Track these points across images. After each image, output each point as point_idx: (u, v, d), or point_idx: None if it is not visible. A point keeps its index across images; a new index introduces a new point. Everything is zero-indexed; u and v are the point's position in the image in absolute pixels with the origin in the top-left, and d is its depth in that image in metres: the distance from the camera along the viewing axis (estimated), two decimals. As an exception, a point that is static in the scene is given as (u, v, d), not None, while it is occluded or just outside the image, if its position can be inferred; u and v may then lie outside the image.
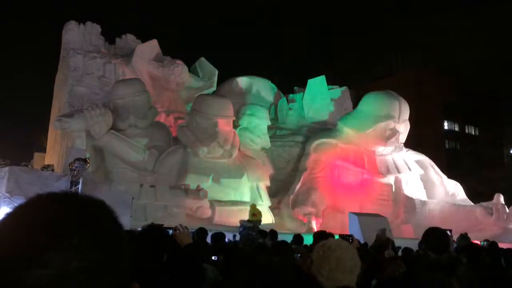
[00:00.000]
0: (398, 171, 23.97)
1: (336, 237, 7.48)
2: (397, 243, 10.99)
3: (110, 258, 0.86)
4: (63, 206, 0.88)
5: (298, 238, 9.89)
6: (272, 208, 21.55)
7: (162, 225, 3.80)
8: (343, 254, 2.51)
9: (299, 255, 6.53)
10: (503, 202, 22.98)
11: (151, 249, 3.29)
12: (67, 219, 0.85)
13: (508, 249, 6.86)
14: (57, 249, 0.80)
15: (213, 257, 5.72)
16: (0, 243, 0.82)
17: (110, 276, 0.85)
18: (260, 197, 21.59)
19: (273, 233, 10.30)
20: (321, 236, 9.46)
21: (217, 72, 27.38)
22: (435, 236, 4.22)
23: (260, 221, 16.88)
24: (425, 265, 4.13)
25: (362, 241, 10.36)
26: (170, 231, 7.39)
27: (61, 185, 16.81)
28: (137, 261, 3.02)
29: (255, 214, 17.22)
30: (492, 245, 9.47)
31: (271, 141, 24.58)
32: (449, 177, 26.07)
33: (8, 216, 0.88)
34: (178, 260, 3.72)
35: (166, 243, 3.57)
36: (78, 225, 0.85)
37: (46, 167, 19.62)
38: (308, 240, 10.01)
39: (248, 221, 15.96)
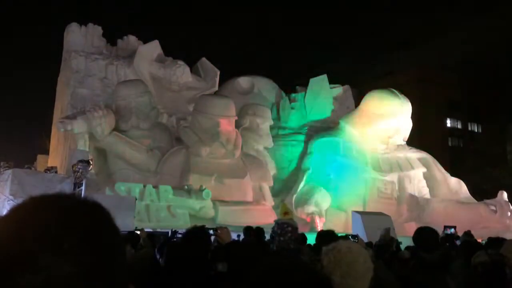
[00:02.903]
0: (401, 169, 23.93)
1: (338, 234, 7.48)
2: (401, 241, 10.98)
3: (104, 262, 0.85)
4: (56, 209, 0.87)
5: (302, 237, 9.86)
6: (275, 208, 21.54)
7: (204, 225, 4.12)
8: (354, 258, 2.40)
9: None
10: (507, 199, 22.92)
11: (197, 248, 3.43)
12: (59, 222, 0.83)
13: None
14: (49, 254, 0.79)
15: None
16: None
17: (104, 281, 0.84)
18: (263, 196, 21.59)
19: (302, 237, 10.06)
20: (327, 235, 9.43)
21: (218, 72, 27.38)
22: (423, 236, 4.24)
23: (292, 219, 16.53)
24: (417, 265, 4.12)
25: (365, 240, 10.34)
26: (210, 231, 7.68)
27: (65, 187, 16.86)
28: (185, 259, 3.17)
29: (287, 212, 16.56)
30: (492, 241, 9.34)
31: (273, 141, 24.57)
32: (452, 174, 25.99)
33: (1, 219, 0.87)
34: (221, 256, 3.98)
35: (210, 242, 3.77)
36: (71, 229, 0.83)
37: (49, 169, 19.65)
38: (311, 239, 9.99)
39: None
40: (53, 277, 0.78)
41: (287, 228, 8.86)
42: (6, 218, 0.87)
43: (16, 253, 0.79)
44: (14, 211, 0.88)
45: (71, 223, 0.85)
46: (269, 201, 21.55)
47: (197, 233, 3.74)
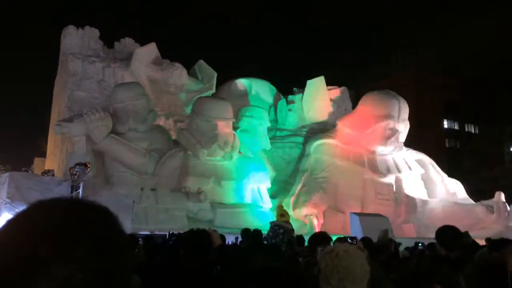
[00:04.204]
0: (399, 171, 23.95)
1: (335, 237, 7.44)
2: (400, 242, 11.00)
3: (114, 268, 0.85)
4: (66, 214, 0.86)
5: (300, 239, 9.84)
6: (273, 210, 21.54)
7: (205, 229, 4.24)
8: (352, 262, 2.39)
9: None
10: (504, 200, 22.95)
11: (201, 250, 3.50)
12: (71, 229, 0.83)
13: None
14: (62, 261, 0.79)
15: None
16: (2, 253, 0.80)
17: (114, 286, 0.85)
18: (261, 198, 21.60)
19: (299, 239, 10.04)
20: (320, 237, 9.42)
21: (216, 74, 27.39)
22: (447, 234, 4.28)
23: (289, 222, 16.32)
24: (433, 260, 4.13)
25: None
26: None
27: (62, 190, 16.81)
28: (190, 260, 3.21)
29: (283, 214, 16.27)
30: (496, 242, 9.30)
31: (271, 143, 24.58)
32: (449, 176, 26.03)
33: (10, 223, 0.86)
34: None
35: (212, 244, 3.84)
36: (83, 235, 0.84)
37: (47, 172, 19.61)
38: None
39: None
40: (65, 285, 0.79)
41: (278, 230, 8.80)
42: (15, 222, 0.86)
43: (27, 260, 0.79)
44: (23, 215, 0.88)
45: (83, 229, 0.85)
46: (267, 203, 21.55)
47: (201, 235, 3.79)
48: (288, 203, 22.51)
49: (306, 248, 9.03)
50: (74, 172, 16.40)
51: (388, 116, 23.03)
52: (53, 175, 19.50)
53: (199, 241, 3.62)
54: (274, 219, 12.31)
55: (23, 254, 0.79)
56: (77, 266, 0.80)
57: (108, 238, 0.88)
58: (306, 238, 10.13)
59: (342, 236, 10.45)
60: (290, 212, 21.99)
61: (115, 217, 0.94)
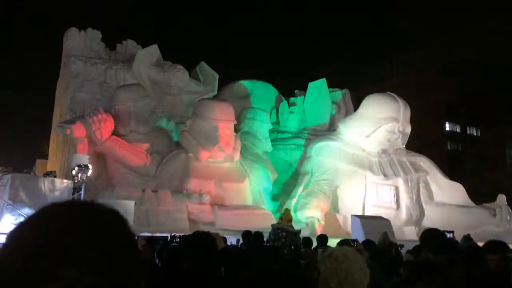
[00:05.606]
0: (400, 173, 23.89)
1: (336, 240, 7.43)
2: (403, 244, 10.98)
3: (123, 270, 0.86)
4: (77, 216, 0.88)
5: (307, 240, 9.78)
6: (274, 212, 21.53)
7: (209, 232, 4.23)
8: (351, 265, 2.40)
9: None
10: (506, 203, 22.91)
11: (206, 252, 3.51)
12: (81, 231, 0.85)
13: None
14: (70, 263, 0.80)
15: None
16: (13, 255, 0.82)
17: None
18: (262, 200, 21.58)
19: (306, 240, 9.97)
20: (320, 239, 9.42)
21: (217, 76, 27.41)
22: (431, 237, 4.21)
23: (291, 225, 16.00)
24: (419, 267, 4.08)
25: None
26: None
27: (64, 192, 16.81)
28: (195, 262, 3.22)
29: (291, 220, 15.43)
30: (494, 244, 9.24)
31: (272, 145, 24.56)
32: (451, 178, 25.96)
33: (22, 225, 0.88)
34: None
35: (216, 246, 3.85)
36: (93, 238, 0.85)
37: (49, 174, 19.59)
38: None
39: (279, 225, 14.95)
40: (74, 286, 0.80)
41: (281, 233, 8.77)
42: (26, 224, 0.88)
43: (36, 262, 0.80)
44: (34, 217, 0.89)
45: (92, 232, 0.86)
46: (268, 205, 21.53)
47: (203, 237, 3.81)
48: (289, 205, 22.50)
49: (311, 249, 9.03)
50: (75, 173, 16.41)
51: (390, 119, 23.01)
52: (55, 176, 19.47)
53: (204, 244, 3.64)
54: (278, 221, 12.26)
55: (32, 257, 0.80)
56: (86, 268, 0.81)
57: (118, 240, 0.89)
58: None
59: (343, 238, 10.45)
60: (292, 214, 21.98)
61: (125, 220, 0.95)
